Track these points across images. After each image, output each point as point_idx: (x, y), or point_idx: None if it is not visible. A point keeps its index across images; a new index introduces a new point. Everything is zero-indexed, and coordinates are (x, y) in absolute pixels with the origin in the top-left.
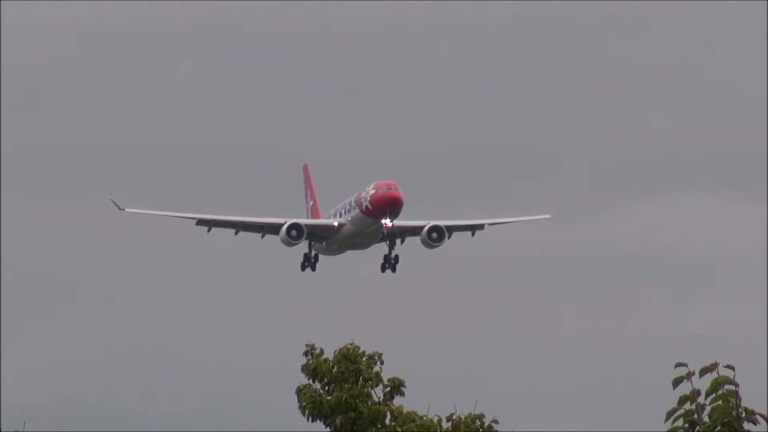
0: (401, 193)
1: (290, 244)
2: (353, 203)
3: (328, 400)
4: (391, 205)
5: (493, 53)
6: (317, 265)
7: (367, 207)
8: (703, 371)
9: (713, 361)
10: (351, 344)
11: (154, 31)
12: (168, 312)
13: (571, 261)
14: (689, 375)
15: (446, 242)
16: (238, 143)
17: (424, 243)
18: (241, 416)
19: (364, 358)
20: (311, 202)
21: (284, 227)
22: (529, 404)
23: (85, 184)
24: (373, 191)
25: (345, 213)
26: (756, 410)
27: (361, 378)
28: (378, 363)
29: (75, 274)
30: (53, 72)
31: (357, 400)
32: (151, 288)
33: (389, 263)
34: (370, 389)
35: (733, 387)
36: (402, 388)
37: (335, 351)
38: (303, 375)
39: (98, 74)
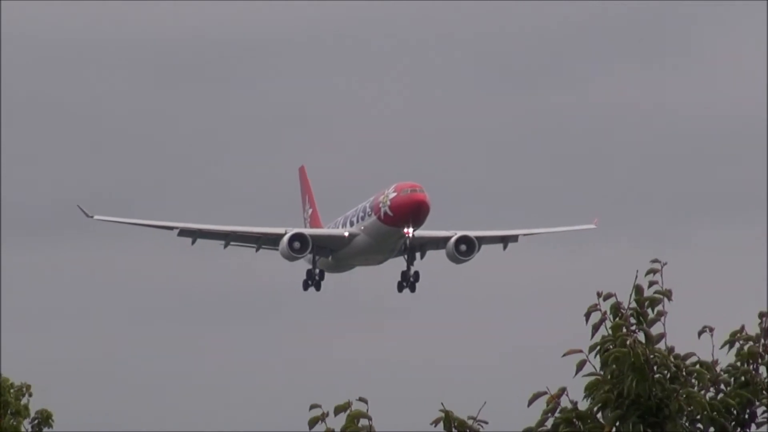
0: (427, 195)
1: (292, 258)
2: (368, 209)
3: None
4: (415, 211)
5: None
6: (322, 283)
7: (386, 213)
8: (338, 410)
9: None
10: None
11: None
12: (142, 341)
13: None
14: (324, 415)
15: (475, 256)
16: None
17: (451, 257)
18: None
19: (12, 390)
20: (310, 210)
21: (285, 238)
22: None
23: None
24: (393, 194)
25: (358, 221)
26: None
27: (9, 410)
28: (27, 395)
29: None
30: None
31: None
32: (119, 310)
33: (407, 281)
34: (17, 422)
35: (367, 421)
36: (50, 420)
37: None
38: None
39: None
